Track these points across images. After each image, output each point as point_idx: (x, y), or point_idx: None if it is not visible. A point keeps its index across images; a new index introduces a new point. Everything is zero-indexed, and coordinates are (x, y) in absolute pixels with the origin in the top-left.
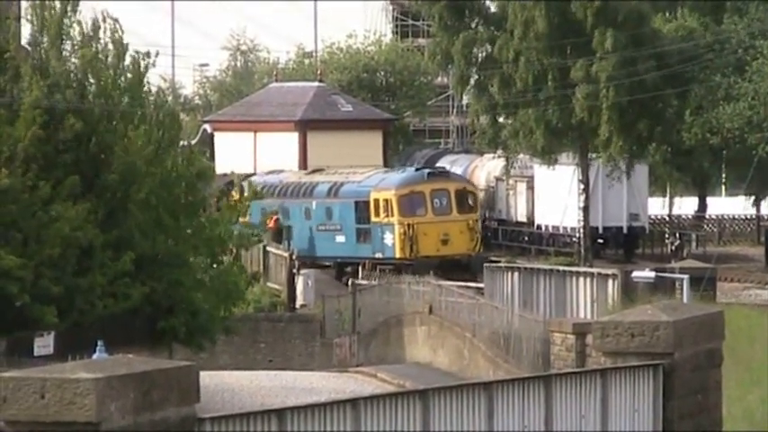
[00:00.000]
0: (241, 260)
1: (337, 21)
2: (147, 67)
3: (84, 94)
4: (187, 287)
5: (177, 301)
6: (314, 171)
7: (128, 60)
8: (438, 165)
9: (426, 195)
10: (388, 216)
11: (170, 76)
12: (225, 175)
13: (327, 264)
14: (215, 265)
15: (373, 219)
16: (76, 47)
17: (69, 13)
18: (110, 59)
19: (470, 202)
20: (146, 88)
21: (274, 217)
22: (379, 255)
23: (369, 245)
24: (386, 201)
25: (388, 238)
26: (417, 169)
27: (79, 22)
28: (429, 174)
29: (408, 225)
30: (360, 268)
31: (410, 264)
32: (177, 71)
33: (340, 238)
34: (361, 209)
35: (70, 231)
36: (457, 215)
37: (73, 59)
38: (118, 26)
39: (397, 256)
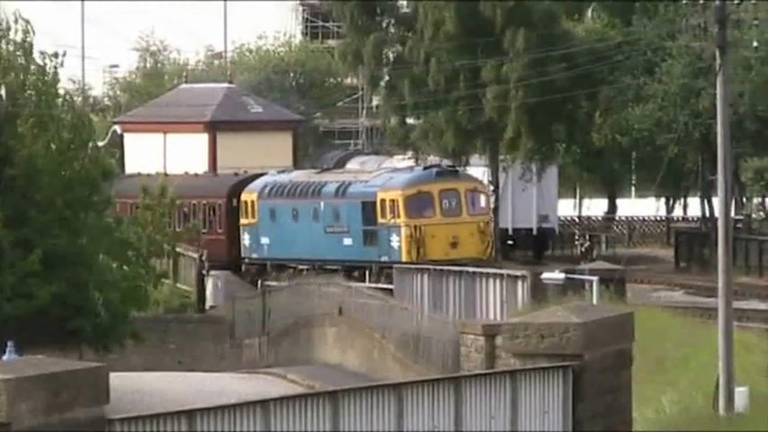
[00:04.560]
0: (149, 261)
1: (247, 22)
2: (56, 68)
3: None
4: (92, 287)
5: (84, 301)
6: (325, 170)
7: (38, 61)
8: (348, 166)
9: (435, 196)
10: (394, 217)
11: (79, 77)
12: (236, 174)
13: (335, 267)
14: (124, 267)
15: (380, 220)
16: None
17: None
18: (18, 61)
19: (482, 203)
20: (57, 90)
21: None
22: (385, 258)
23: (375, 248)
24: (392, 201)
25: (395, 241)
26: (426, 168)
27: None
28: (438, 173)
29: (415, 227)
30: (366, 273)
31: None
32: (87, 72)
33: (347, 241)
34: (368, 210)
35: None
36: (467, 217)
37: None
38: (30, 27)
39: (404, 259)
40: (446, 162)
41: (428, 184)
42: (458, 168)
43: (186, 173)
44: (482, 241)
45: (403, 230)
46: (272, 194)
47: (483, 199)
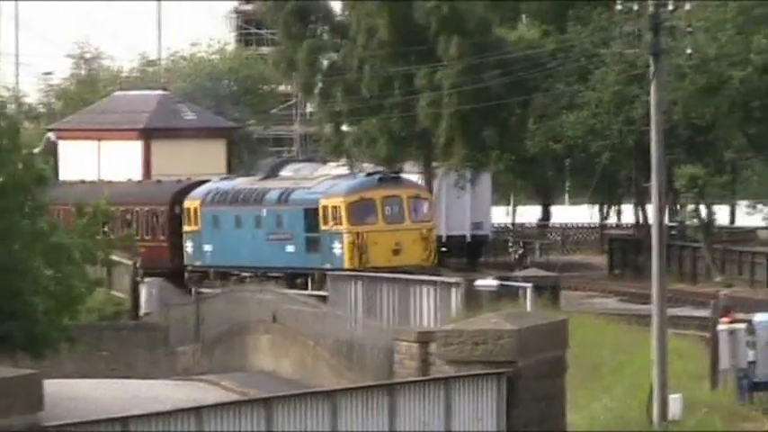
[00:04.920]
0: (84, 268)
1: (181, 29)
2: None
3: None
4: (26, 293)
5: (20, 307)
6: (267, 177)
7: None
8: (282, 173)
9: (377, 202)
10: (337, 224)
11: (13, 84)
12: (179, 181)
13: (277, 275)
14: (58, 273)
15: (322, 227)
16: None
17: None
18: None
19: (425, 209)
20: None
21: None
22: (327, 265)
23: (318, 254)
24: (335, 208)
25: (337, 248)
26: (369, 174)
27: None
28: (380, 179)
29: (358, 234)
30: (309, 280)
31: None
32: (21, 79)
33: (290, 248)
34: (311, 216)
35: None
36: (410, 224)
37: None
38: None
39: (346, 266)
40: (380, 169)
41: (370, 190)
42: (400, 175)
43: (130, 179)
44: (425, 248)
45: (345, 237)
46: (214, 201)
47: (426, 206)
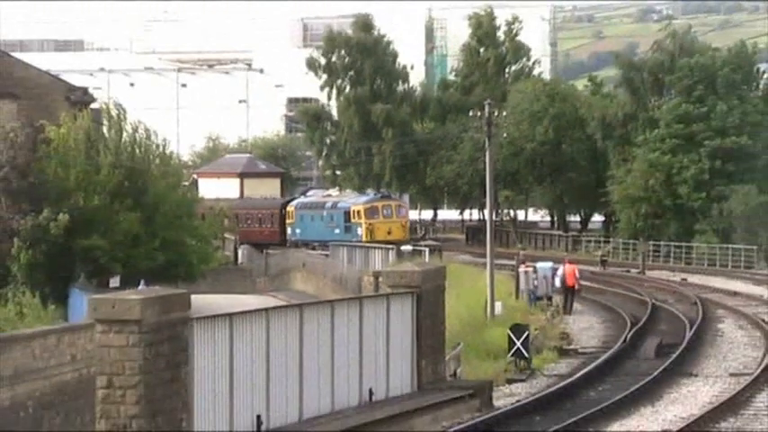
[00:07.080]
0: (210, 242)
1: (259, 124)
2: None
3: (134, 158)
4: (188, 253)
5: (183, 259)
6: (327, 195)
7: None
8: (309, 193)
9: (379, 208)
10: (359, 219)
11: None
12: (282, 196)
13: (333, 244)
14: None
15: (352, 220)
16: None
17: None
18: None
19: (403, 212)
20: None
21: None
22: (355, 240)
23: (350, 234)
24: (357, 211)
25: (359, 231)
26: (375, 194)
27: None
28: (381, 196)
29: (369, 224)
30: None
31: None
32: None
33: (337, 231)
34: (347, 215)
35: (127, 227)
36: (395, 219)
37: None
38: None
39: (364, 240)
40: (381, 191)
41: (376, 202)
42: (391, 194)
43: (262, 196)
44: (404, 231)
45: (363, 226)
46: (300, 207)
47: (404, 210)
